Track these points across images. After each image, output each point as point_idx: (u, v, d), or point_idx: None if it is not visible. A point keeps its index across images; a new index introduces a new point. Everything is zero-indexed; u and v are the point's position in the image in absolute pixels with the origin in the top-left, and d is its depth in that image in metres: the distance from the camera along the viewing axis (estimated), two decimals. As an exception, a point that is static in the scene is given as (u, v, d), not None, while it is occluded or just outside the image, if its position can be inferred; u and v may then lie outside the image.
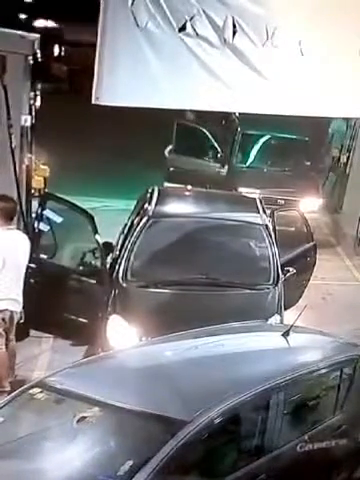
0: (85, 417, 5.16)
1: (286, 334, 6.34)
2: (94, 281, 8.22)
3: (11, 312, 7.50)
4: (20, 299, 7.53)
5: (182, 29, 7.87)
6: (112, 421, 5.18)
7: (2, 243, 7.39)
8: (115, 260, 8.39)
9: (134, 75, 7.86)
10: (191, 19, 7.86)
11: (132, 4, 7.73)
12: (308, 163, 13.81)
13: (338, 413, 6.11)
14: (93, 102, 7.81)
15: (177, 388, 5.43)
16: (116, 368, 5.87)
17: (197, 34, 7.92)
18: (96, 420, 5.20)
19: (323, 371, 6.11)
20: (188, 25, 7.86)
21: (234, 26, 7.96)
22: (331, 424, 6.02)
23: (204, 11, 7.90)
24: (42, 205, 8.49)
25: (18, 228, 7.95)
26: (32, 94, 8.55)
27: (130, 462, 4.83)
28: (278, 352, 6.42)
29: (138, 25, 7.78)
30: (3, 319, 7.46)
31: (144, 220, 8.59)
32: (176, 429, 4.96)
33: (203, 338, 6.63)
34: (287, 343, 6.38)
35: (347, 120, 14.39)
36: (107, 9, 7.71)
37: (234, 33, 7.98)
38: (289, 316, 8.71)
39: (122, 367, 5.86)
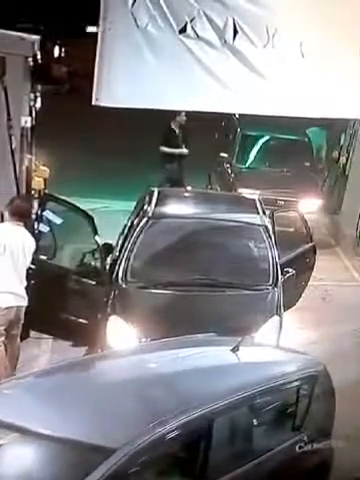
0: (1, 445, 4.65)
1: (236, 349, 5.88)
2: (94, 282, 8.24)
3: (17, 308, 7.53)
4: (24, 294, 7.54)
5: (182, 30, 7.87)
6: (31, 449, 4.64)
7: (6, 233, 7.44)
8: (115, 261, 8.40)
9: (134, 76, 7.86)
10: (191, 21, 7.87)
11: (132, 5, 7.73)
12: (307, 164, 13.82)
13: (296, 434, 5.74)
14: (93, 103, 7.82)
15: (108, 410, 4.92)
16: (45, 388, 5.32)
17: (197, 35, 7.92)
18: (14, 448, 4.70)
19: (275, 390, 5.67)
20: (188, 26, 7.87)
21: (235, 27, 7.96)
22: (288, 446, 5.62)
23: (204, 12, 7.90)
24: (42, 206, 8.51)
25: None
26: (32, 95, 8.56)
27: None
28: (225, 370, 5.87)
29: (138, 26, 7.78)
30: (4, 316, 7.49)
31: (144, 221, 8.61)
32: (101, 458, 4.41)
33: (146, 354, 6.25)
34: (237, 359, 5.91)
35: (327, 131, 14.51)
36: (107, 10, 7.71)
37: (235, 34, 7.98)
38: (288, 317, 8.75)
39: (52, 387, 5.32)
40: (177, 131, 13.16)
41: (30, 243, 7.67)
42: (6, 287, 7.48)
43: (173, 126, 13.15)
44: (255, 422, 5.51)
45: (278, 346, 6.88)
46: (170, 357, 6.13)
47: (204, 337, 6.73)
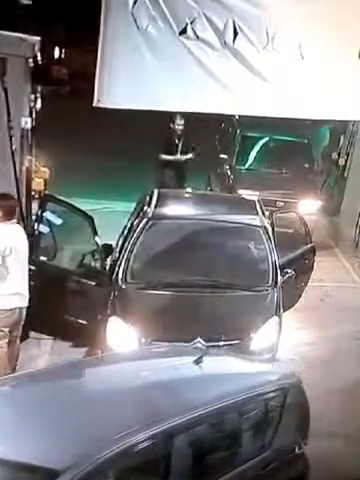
0: None
1: (199, 361, 5.54)
2: (94, 283, 8.24)
3: (20, 309, 7.54)
4: (27, 294, 7.56)
5: (183, 32, 7.89)
6: None
7: (8, 234, 7.45)
8: (115, 262, 8.40)
9: (135, 78, 7.87)
10: (192, 22, 7.88)
11: (133, 7, 7.75)
12: (307, 165, 13.83)
13: (265, 451, 5.45)
14: (94, 105, 7.83)
15: (57, 429, 4.57)
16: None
17: (198, 37, 7.94)
18: None
19: (241, 403, 5.32)
20: (189, 28, 7.88)
21: (235, 29, 7.98)
22: (256, 464, 5.34)
23: (205, 14, 7.92)
24: (42, 207, 8.51)
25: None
26: (32, 96, 8.58)
27: None
28: (187, 384, 5.51)
29: (139, 28, 7.80)
30: (8, 317, 7.51)
31: (143, 222, 8.61)
32: None
33: (104, 366, 5.88)
34: (200, 372, 5.56)
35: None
36: (108, 12, 7.73)
37: (235, 36, 8.00)
38: (288, 317, 8.76)
39: (6, 400, 4.95)
40: (175, 139, 13.05)
41: (26, 241, 7.69)
42: (12, 289, 7.48)
43: (170, 134, 13.06)
44: (220, 438, 5.21)
45: (248, 357, 6.51)
46: (134, 369, 5.77)
47: (171, 348, 6.41)
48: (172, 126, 12.84)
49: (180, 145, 12.93)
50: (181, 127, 12.86)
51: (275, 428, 5.55)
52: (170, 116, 12.55)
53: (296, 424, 5.90)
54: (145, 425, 4.64)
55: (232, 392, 5.34)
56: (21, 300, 7.53)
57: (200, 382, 5.56)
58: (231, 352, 6.70)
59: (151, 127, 13.94)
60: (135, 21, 7.78)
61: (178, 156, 12.85)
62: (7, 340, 7.56)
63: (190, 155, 13.04)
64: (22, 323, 7.70)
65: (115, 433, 4.53)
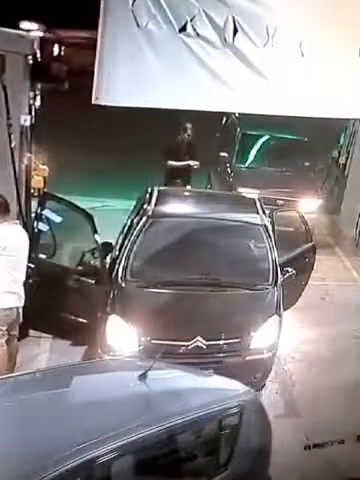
0: None
1: (144, 376, 5.20)
2: (93, 281, 8.22)
3: (17, 308, 7.53)
4: (22, 294, 7.55)
5: (183, 29, 7.86)
6: None
7: (2, 232, 7.43)
8: (114, 260, 8.38)
9: (134, 75, 7.85)
10: (192, 19, 7.86)
11: (132, 4, 7.72)
12: (307, 164, 13.80)
13: (221, 472, 5.19)
14: (93, 102, 7.80)
15: None
16: None
17: (198, 34, 7.91)
18: None
19: (191, 424, 4.97)
20: (189, 25, 7.86)
21: (235, 26, 7.95)
22: None
23: (205, 11, 7.89)
24: (41, 205, 8.49)
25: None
26: (32, 94, 8.54)
27: None
28: (129, 401, 5.12)
29: (138, 25, 7.77)
30: (7, 316, 7.50)
31: (143, 220, 8.59)
32: None
33: (41, 381, 5.52)
34: (145, 388, 5.18)
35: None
36: (107, 9, 7.69)
37: (235, 33, 7.97)
38: (288, 316, 8.74)
39: None
40: (183, 146, 12.96)
41: (26, 239, 7.66)
42: (8, 287, 7.47)
43: (178, 141, 12.98)
44: (166, 461, 4.90)
45: (200, 371, 6.07)
46: (74, 383, 5.39)
47: (117, 361, 6.15)
48: (182, 134, 12.79)
49: (188, 151, 12.87)
50: (190, 132, 12.81)
51: (230, 449, 5.18)
52: (180, 122, 12.49)
53: (255, 444, 5.52)
54: (88, 445, 4.32)
55: (179, 411, 4.97)
56: (19, 299, 7.51)
57: (145, 399, 5.15)
58: (182, 366, 6.25)
59: (151, 125, 13.90)
60: (135, 18, 7.75)
61: (186, 162, 12.78)
62: (6, 339, 7.55)
63: (196, 162, 12.98)
64: (20, 322, 7.69)
65: (52, 455, 4.27)
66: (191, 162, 12.80)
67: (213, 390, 5.65)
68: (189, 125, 12.75)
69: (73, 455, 4.31)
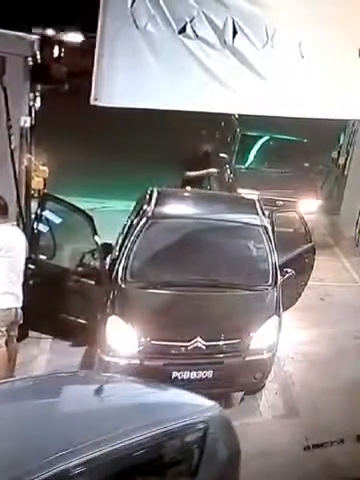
0: None
1: (99, 391, 5.10)
2: (93, 282, 8.22)
3: (16, 309, 7.55)
4: (20, 295, 7.57)
5: (182, 31, 7.86)
6: None
7: (1, 233, 7.45)
8: (114, 261, 8.39)
9: (133, 76, 7.84)
10: (191, 21, 7.85)
11: (132, 5, 7.71)
12: (307, 164, 13.82)
13: None
14: (91, 103, 7.80)
15: None
16: None
17: (197, 35, 7.91)
18: None
19: (151, 440, 4.71)
20: (188, 27, 7.85)
21: (234, 27, 7.95)
22: None
23: (204, 12, 7.89)
24: (41, 206, 8.50)
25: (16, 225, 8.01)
26: (32, 95, 8.56)
27: None
28: (83, 418, 4.83)
29: (137, 26, 7.76)
30: (6, 317, 7.51)
31: (143, 221, 8.59)
32: None
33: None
34: (101, 403, 5.04)
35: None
36: (106, 10, 7.68)
37: (234, 34, 7.97)
38: (288, 317, 8.75)
39: None
40: (200, 155, 12.95)
41: (23, 241, 7.69)
42: (6, 288, 7.49)
43: (195, 152, 12.95)
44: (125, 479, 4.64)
45: (161, 385, 5.83)
46: (24, 398, 5.13)
47: (71, 374, 5.85)
48: (199, 145, 12.81)
49: (205, 159, 12.86)
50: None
51: (194, 467, 4.94)
52: (198, 131, 12.51)
53: (220, 463, 5.29)
54: (40, 464, 4.11)
55: (138, 428, 4.71)
56: (17, 300, 7.53)
57: (100, 415, 4.87)
58: (144, 381, 5.98)
59: (150, 126, 13.93)
60: (134, 20, 7.74)
61: (205, 171, 12.77)
62: (5, 340, 7.57)
63: (214, 169, 12.97)
64: (19, 323, 7.70)
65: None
66: (211, 170, 12.80)
67: (175, 406, 5.38)
68: (204, 132, 12.76)
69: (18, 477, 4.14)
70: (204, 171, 12.78)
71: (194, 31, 7.88)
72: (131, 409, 5.06)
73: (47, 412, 4.84)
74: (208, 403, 5.46)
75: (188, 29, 7.86)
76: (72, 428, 4.61)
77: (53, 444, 4.39)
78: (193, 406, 5.36)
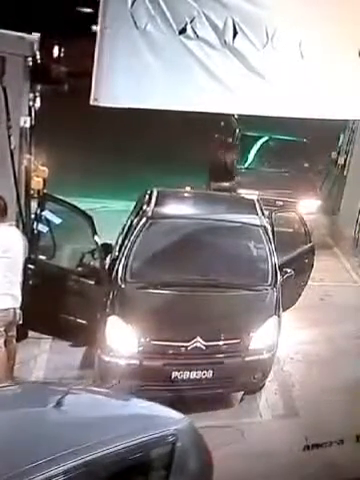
0: None
1: (61, 403, 4.73)
2: (93, 282, 8.22)
3: (14, 309, 7.56)
4: (19, 295, 7.57)
5: (182, 31, 7.86)
6: None
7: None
8: (114, 261, 8.39)
9: (133, 76, 7.84)
10: (191, 21, 7.85)
11: (132, 6, 7.71)
12: (306, 165, 13.83)
13: None
14: (91, 103, 7.79)
15: None
16: None
17: (197, 36, 7.91)
18: None
19: (114, 456, 4.47)
20: (188, 27, 7.85)
21: (234, 28, 7.95)
22: None
23: (204, 13, 7.89)
24: (41, 206, 8.49)
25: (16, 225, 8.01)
26: (31, 95, 8.56)
27: None
28: (44, 431, 4.58)
29: (137, 27, 7.76)
30: (5, 316, 7.52)
31: (143, 221, 8.60)
32: None
33: None
34: (62, 416, 4.71)
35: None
36: (106, 10, 7.68)
37: (234, 35, 7.97)
38: (287, 317, 8.76)
39: None
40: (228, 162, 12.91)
41: (22, 241, 7.69)
42: (4, 289, 7.50)
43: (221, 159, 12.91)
44: None
45: (123, 396, 5.68)
46: None
47: (27, 386, 5.65)
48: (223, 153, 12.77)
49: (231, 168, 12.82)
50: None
51: None
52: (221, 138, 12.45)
53: (190, 476, 5.11)
54: None
55: (98, 443, 4.47)
56: (14, 300, 7.54)
57: (56, 430, 4.61)
58: (103, 391, 5.82)
59: (150, 126, 13.93)
60: (134, 20, 7.74)
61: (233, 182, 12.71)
62: (3, 340, 7.58)
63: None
64: (18, 323, 7.70)
65: None
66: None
67: (142, 418, 5.13)
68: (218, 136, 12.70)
69: None
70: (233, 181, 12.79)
71: (194, 31, 7.88)
72: (94, 422, 4.82)
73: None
74: (177, 415, 5.27)
75: (188, 29, 7.86)
76: (28, 443, 4.37)
77: (5, 461, 4.19)
78: (161, 418, 5.16)
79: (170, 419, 5.17)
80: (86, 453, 4.37)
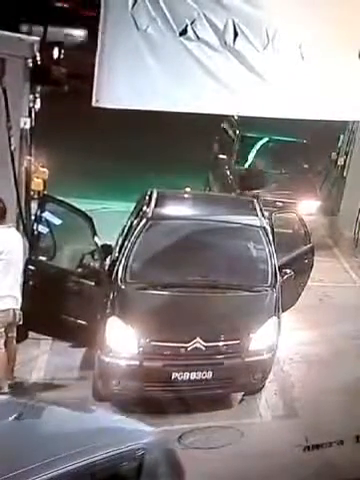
0: None
1: (23, 418, 4.57)
2: (93, 283, 8.23)
3: (14, 310, 7.57)
4: (19, 296, 7.58)
5: (183, 33, 7.88)
6: None
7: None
8: (114, 262, 8.40)
9: (134, 78, 7.86)
10: (192, 23, 7.87)
11: (132, 7, 7.73)
12: (306, 166, 13.83)
13: None
14: (93, 104, 7.81)
15: None
16: None
17: (198, 37, 7.93)
18: None
19: (79, 471, 4.29)
20: (189, 29, 7.87)
21: (235, 29, 7.98)
22: None
23: (205, 14, 7.91)
24: (41, 207, 8.50)
25: (16, 227, 8.02)
26: (31, 96, 8.57)
27: None
28: (6, 445, 4.37)
29: (138, 28, 7.78)
30: (4, 317, 7.54)
31: (143, 222, 8.60)
32: None
33: None
34: (25, 432, 4.52)
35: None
36: (107, 12, 7.70)
37: (235, 36, 8.00)
38: (287, 317, 8.77)
39: None
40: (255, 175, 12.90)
41: (22, 243, 7.70)
42: (4, 290, 7.51)
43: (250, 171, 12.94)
44: None
45: (87, 406, 5.66)
46: None
47: None
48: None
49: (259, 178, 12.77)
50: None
51: None
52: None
53: None
54: None
55: (62, 458, 4.30)
56: (14, 301, 7.55)
57: (13, 448, 4.39)
58: (71, 404, 5.62)
59: (150, 127, 13.93)
60: (135, 21, 7.76)
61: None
62: (3, 341, 7.59)
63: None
64: (18, 324, 7.71)
65: None
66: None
67: (109, 432, 4.91)
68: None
69: None
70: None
71: (195, 33, 7.90)
72: (59, 436, 4.62)
73: None
74: (146, 429, 5.10)
75: (189, 31, 7.88)
76: None
77: None
78: (129, 432, 4.97)
79: (139, 433, 4.99)
80: (51, 468, 4.24)
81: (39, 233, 8.44)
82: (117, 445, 4.62)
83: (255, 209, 9.25)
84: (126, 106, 8.01)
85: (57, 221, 8.64)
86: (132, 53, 7.79)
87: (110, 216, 11.76)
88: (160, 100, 7.96)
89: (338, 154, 14.88)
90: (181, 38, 7.88)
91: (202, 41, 7.94)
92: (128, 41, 7.77)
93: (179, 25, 7.83)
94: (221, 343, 7.79)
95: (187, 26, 7.86)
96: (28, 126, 8.59)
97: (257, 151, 13.72)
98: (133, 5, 7.71)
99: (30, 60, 8.31)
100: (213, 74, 8.00)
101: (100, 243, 8.29)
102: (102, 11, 7.69)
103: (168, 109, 8.14)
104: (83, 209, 8.58)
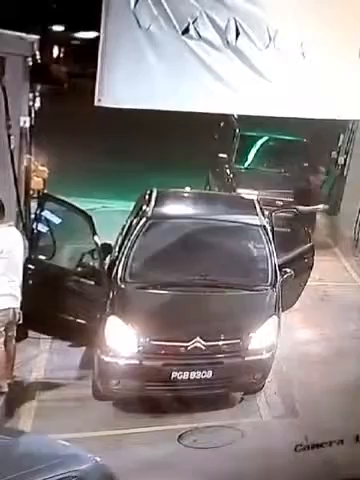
0: None
1: None
2: (92, 282, 8.22)
3: (13, 309, 7.57)
4: (18, 295, 7.58)
5: (185, 31, 7.87)
6: None
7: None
8: (113, 261, 8.39)
9: (136, 77, 7.84)
10: (194, 21, 7.86)
11: (135, 6, 7.72)
12: (306, 164, 13.83)
13: None
14: (95, 104, 7.79)
15: None
16: None
17: (200, 36, 7.92)
18: None
19: None
20: (191, 27, 7.86)
21: (236, 28, 7.97)
22: None
23: (206, 13, 7.90)
24: (41, 206, 8.49)
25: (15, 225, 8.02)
26: (31, 95, 8.57)
27: None
28: None
29: (140, 27, 7.77)
30: (4, 316, 7.53)
31: (142, 221, 8.59)
32: None
33: None
34: None
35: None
36: (109, 11, 7.68)
37: (237, 35, 7.99)
38: (287, 317, 8.76)
39: None
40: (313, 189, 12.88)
41: (21, 241, 7.70)
42: (4, 289, 7.51)
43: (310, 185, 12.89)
44: None
45: (25, 431, 5.48)
46: None
47: None
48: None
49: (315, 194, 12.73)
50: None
51: None
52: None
53: None
54: None
55: None
56: (14, 300, 7.55)
57: None
58: (8, 430, 5.61)
59: (150, 126, 13.94)
60: (137, 20, 7.74)
61: (318, 206, 12.59)
62: (3, 340, 7.58)
63: (324, 206, 12.85)
64: (17, 323, 7.71)
65: None
66: (321, 206, 12.78)
67: (43, 458, 4.77)
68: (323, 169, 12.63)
69: None
70: (319, 206, 12.75)
71: (197, 32, 7.89)
72: None
73: None
74: (83, 454, 4.96)
75: (191, 30, 7.87)
76: None
77: None
78: (66, 457, 4.83)
79: (75, 459, 4.85)
80: None
81: (39, 232, 8.43)
82: (54, 470, 4.55)
83: (255, 208, 9.24)
84: (128, 105, 7.99)
85: (57, 220, 8.63)
86: (134, 52, 7.77)
87: (110, 215, 11.76)
88: (162, 99, 7.95)
89: (338, 153, 14.89)
90: (183, 37, 7.87)
91: (204, 40, 7.93)
92: (130, 40, 7.75)
93: (181, 24, 7.82)
94: (221, 342, 7.79)
95: (189, 25, 7.85)
96: (28, 125, 8.59)
97: (257, 150, 13.72)
98: (135, 3, 7.69)
99: (30, 59, 8.31)
100: (215, 73, 7.99)
101: (100, 242, 8.28)
102: (104, 9, 7.67)
103: (170, 108, 8.12)
104: (83, 208, 8.57)
